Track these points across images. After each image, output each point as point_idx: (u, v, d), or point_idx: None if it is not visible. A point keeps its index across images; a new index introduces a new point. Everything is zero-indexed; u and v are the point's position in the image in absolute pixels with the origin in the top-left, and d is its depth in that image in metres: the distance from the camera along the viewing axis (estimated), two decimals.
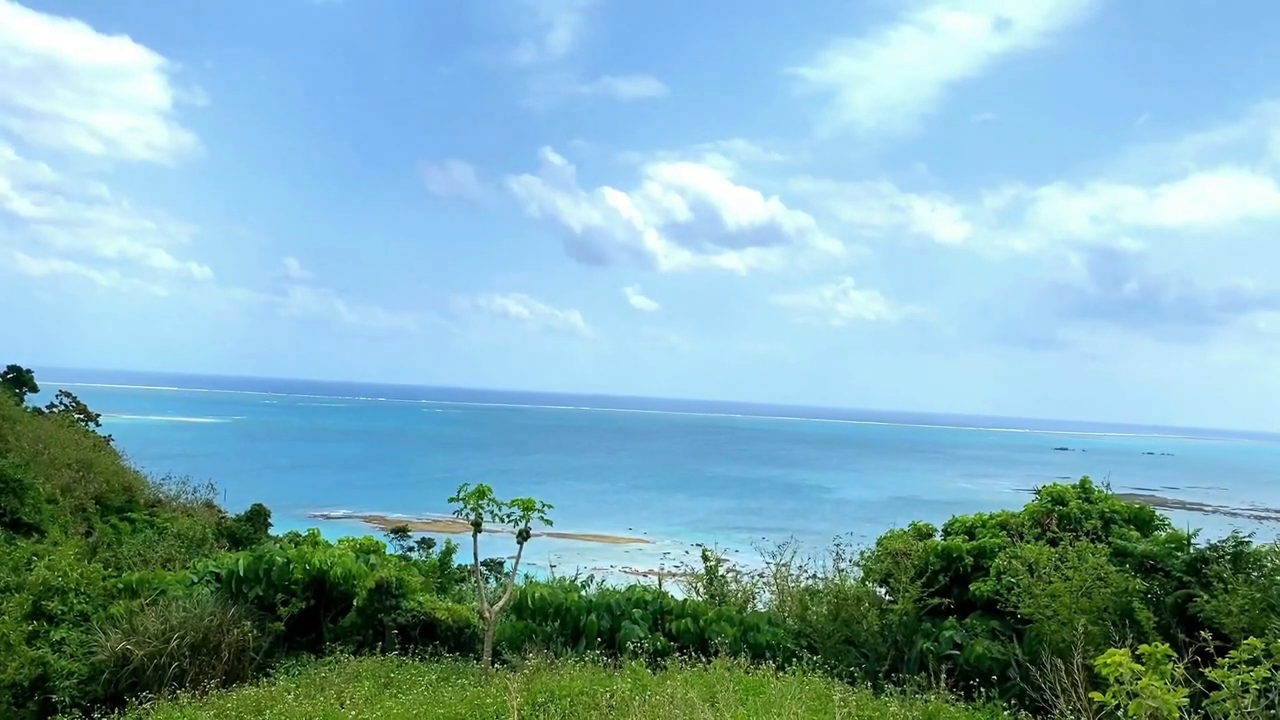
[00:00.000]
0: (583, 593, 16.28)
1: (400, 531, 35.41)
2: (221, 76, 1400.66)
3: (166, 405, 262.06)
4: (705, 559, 18.29)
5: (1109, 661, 6.61)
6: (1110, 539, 14.98)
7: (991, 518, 17.35)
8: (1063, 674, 10.19)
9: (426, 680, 12.46)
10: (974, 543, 16.40)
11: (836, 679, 12.73)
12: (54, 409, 38.54)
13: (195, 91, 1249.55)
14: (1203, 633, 9.11)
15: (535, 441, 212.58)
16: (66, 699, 13.23)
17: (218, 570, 16.46)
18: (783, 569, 17.21)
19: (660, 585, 17.27)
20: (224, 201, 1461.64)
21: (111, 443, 35.83)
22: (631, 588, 16.27)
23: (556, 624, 15.14)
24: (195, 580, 16.36)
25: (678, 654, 13.72)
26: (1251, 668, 6.80)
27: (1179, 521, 16.28)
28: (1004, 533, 16.31)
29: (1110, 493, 17.12)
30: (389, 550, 22.51)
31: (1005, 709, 11.75)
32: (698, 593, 17.60)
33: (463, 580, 20.02)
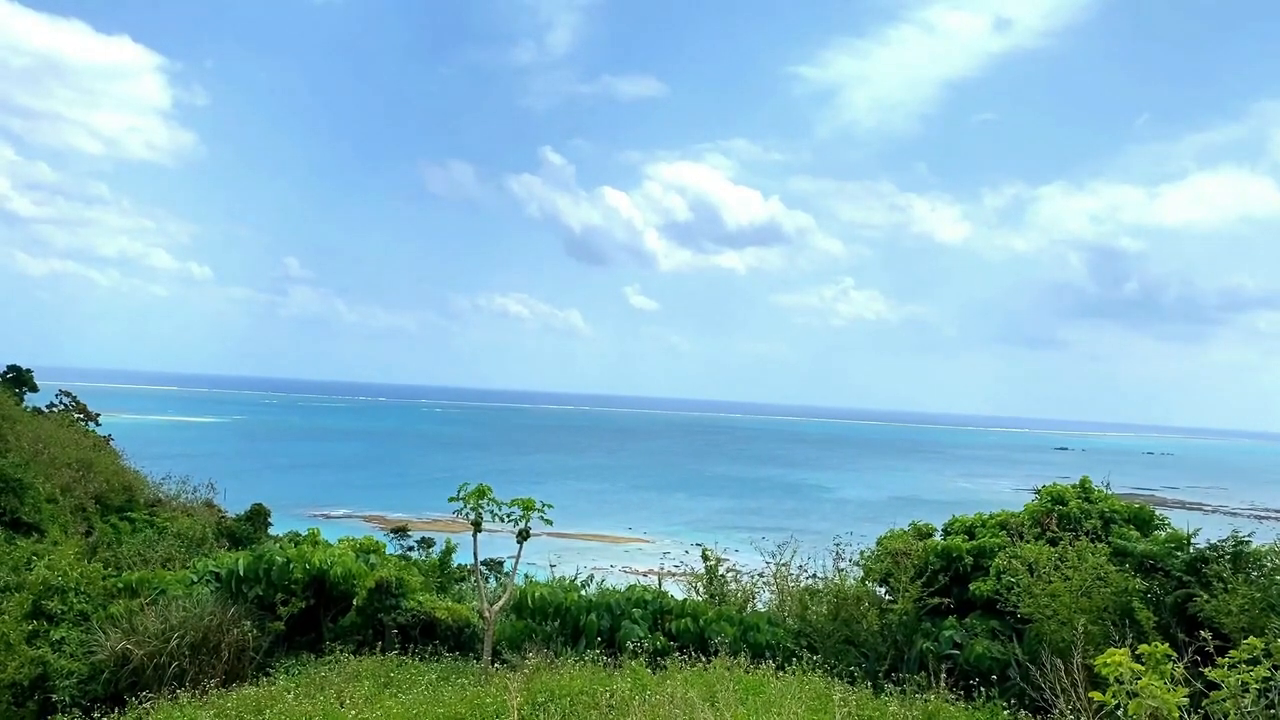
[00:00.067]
0: (582, 592, 16.29)
1: (400, 531, 35.34)
2: (221, 76, 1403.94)
3: (166, 405, 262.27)
4: (705, 559, 18.28)
5: (1109, 661, 6.60)
6: (1110, 539, 14.97)
7: (991, 517, 17.34)
8: (1062, 674, 10.18)
9: (426, 680, 12.46)
10: (974, 542, 16.40)
11: (836, 678, 12.72)
12: (54, 409, 38.53)
13: (195, 91, 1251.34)
14: (1202, 632, 9.09)
15: (535, 441, 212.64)
16: (66, 698, 13.24)
17: (218, 570, 16.47)
18: (782, 569, 17.19)
19: (660, 585, 17.28)
20: (224, 201, 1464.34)
21: (111, 442, 35.82)
22: (631, 587, 16.27)
23: (556, 624, 15.14)
24: (195, 580, 16.37)
25: (678, 653, 13.73)
26: (1251, 667, 6.79)
27: (1179, 521, 16.26)
28: (1004, 532, 16.29)
29: (1110, 492, 17.11)
30: (389, 550, 22.49)
31: (1005, 709, 11.73)
32: (697, 592, 17.60)
33: (462, 580, 20.00)
